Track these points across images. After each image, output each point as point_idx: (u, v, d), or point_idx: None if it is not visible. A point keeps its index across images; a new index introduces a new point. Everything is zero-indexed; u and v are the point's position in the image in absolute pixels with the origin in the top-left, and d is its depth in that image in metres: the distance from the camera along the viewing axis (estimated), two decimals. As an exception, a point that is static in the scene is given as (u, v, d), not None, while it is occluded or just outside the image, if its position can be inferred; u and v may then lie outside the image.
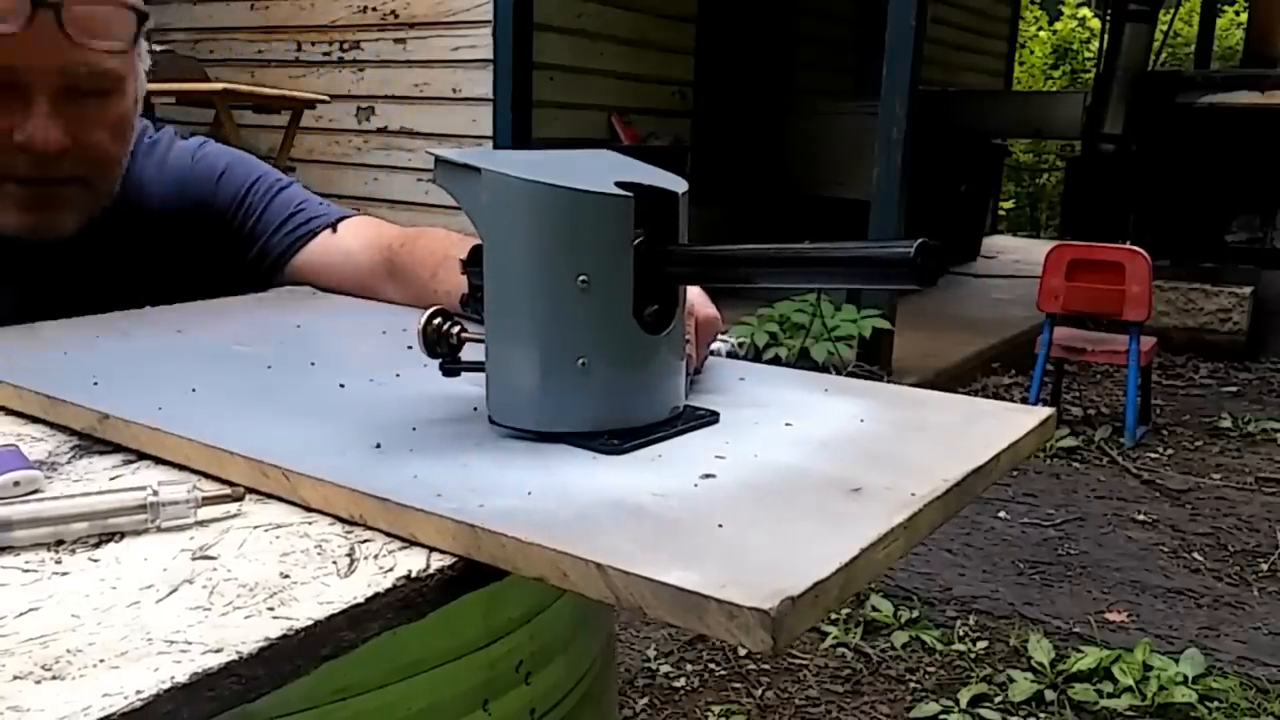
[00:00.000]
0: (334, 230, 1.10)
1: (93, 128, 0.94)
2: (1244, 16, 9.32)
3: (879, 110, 4.04)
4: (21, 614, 0.42)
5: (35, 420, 0.67)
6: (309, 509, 0.53)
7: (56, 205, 0.96)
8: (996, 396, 4.44)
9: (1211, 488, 3.54)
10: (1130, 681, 2.20)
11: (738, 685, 2.26)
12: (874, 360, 4.13)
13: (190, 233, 1.07)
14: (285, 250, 1.09)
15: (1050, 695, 2.20)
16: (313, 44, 5.54)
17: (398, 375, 0.74)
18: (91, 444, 0.62)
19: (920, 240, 0.49)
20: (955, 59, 8.83)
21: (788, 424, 0.64)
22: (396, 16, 5.23)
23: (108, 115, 0.95)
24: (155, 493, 0.51)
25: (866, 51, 6.11)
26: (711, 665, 2.33)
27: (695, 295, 0.73)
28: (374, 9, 5.29)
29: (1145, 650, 2.30)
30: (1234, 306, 5.57)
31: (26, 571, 0.46)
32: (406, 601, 0.46)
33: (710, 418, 0.64)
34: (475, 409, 0.64)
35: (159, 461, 0.60)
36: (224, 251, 1.09)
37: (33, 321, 0.88)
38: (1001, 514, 3.24)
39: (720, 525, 0.48)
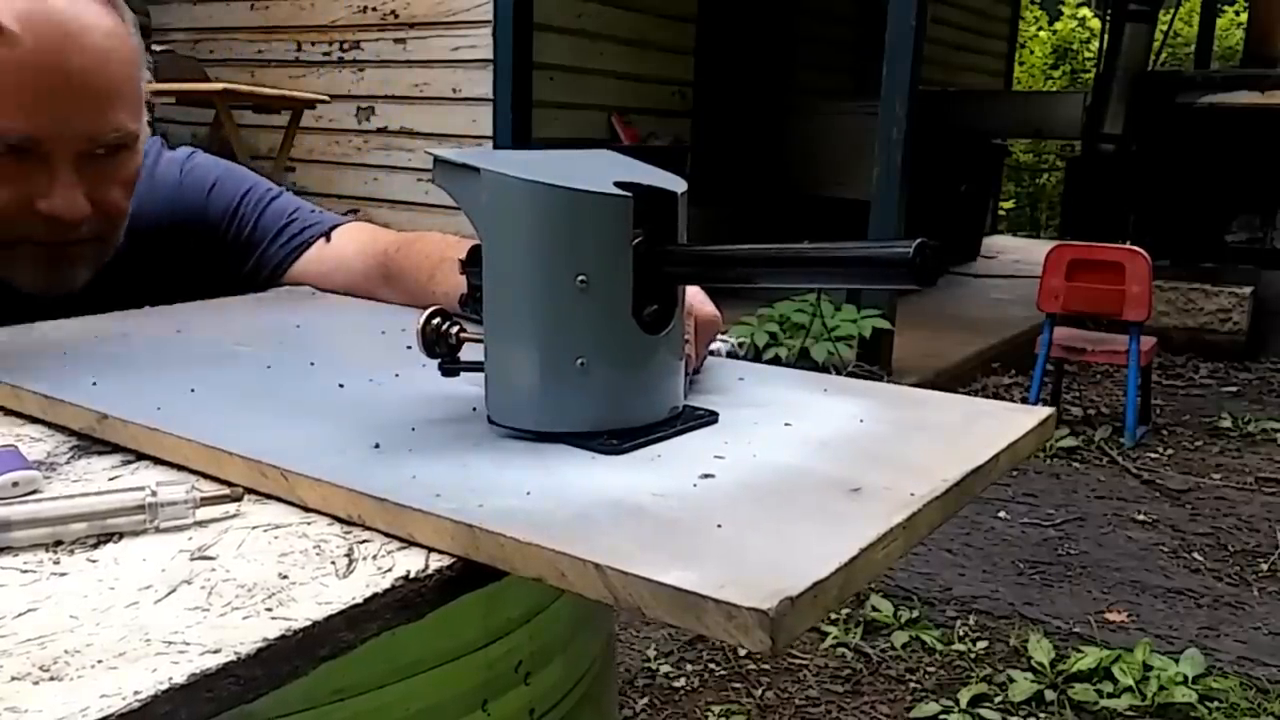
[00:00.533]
0: (327, 239, 1.10)
1: (109, 186, 0.93)
2: (1244, 16, 9.32)
3: (879, 110, 4.04)
4: (20, 615, 0.42)
5: (34, 420, 0.67)
6: (307, 509, 0.53)
7: (72, 263, 0.96)
8: (996, 396, 4.45)
9: (1211, 488, 3.54)
10: (1130, 681, 2.20)
11: (738, 685, 2.26)
12: (874, 360, 4.13)
13: (183, 248, 1.07)
14: (281, 262, 1.10)
15: (1050, 695, 2.20)
16: (313, 44, 5.54)
17: (397, 375, 0.74)
18: (90, 444, 0.62)
19: (919, 240, 0.49)
20: (955, 59, 8.83)
21: (787, 424, 0.64)
22: (396, 16, 5.23)
23: (123, 172, 0.95)
24: (154, 493, 0.51)
25: (866, 51, 6.11)
26: (711, 665, 2.33)
27: (695, 294, 0.73)
28: (374, 9, 5.29)
29: (1145, 650, 2.30)
30: (1234, 306, 5.57)
31: (25, 572, 0.46)
32: (405, 602, 0.46)
33: (709, 418, 0.64)
34: (474, 409, 0.64)
35: (158, 462, 0.60)
36: (218, 265, 1.09)
37: None
38: (1001, 514, 3.24)
39: (719, 525, 0.48)
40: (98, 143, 0.90)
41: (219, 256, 1.09)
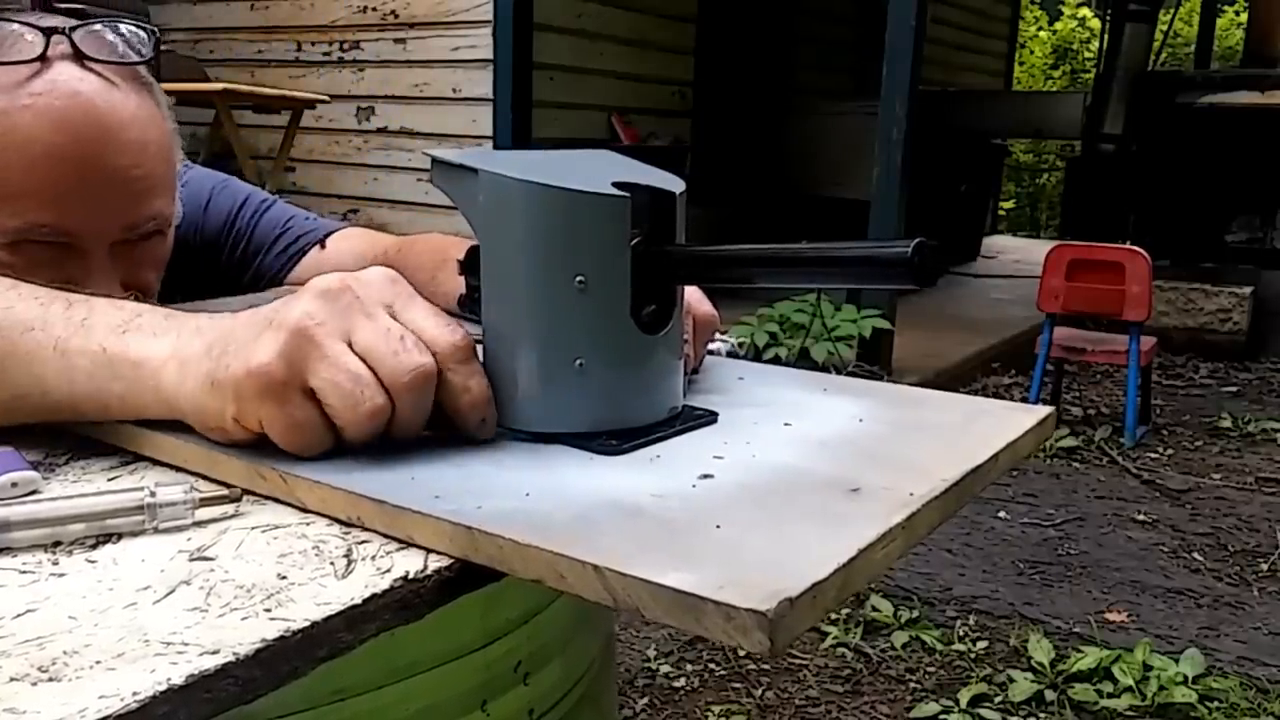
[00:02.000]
0: (322, 246, 1.11)
1: (143, 270, 0.92)
2: (1244, 16, 9.33)
3: (879, 110, 4.04)
4: (18, 615, 0.42)
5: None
6: (306, 510, 0.53)
7: None
8: (996, 396, 4.43)
9: (1211, 488, 3.54)
10: (1130, 681, 2.20)
11: (738, 685, 2.26)
12: (874, 360, 4.13)
13: (182, 262, 1.07)
14: (277, 273, 1.11)
15: (1050, 695, 2.20)
16: (313, 44, 5.54)
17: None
18: (88, 445, 0.62)
19: (918, 240, 0.49)
20: (955, 59, 8.84)
21: (786, 424, 0.64)
22: (396, 16, 5.23)
23: (157, 254, 0.94)
24: (153, 494, 0.51)
25: (866, 51, 6.11)
26: (711, 665, 2.33)
27: (692, 294, 0.73)
28: (374, 9, 5.30)
29: (1145, 650, 2.30)
30: (1234, 306, 5.57)
31: (24, 573, 0.46)
32: (404, 603, 0.46)
33: (709, 418, 0.64)
34: (473, 410, 0.64)
35: (156, 463, 0.60)
36: (218, 279, 1.10)
37: None
38: (1001, 514, 3.24)
39: (718, 526, 0.48)
40: (135, 232, 0.89)
41: (218, 270, 1.10)
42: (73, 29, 0.84)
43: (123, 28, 0.88)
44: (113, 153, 0.84)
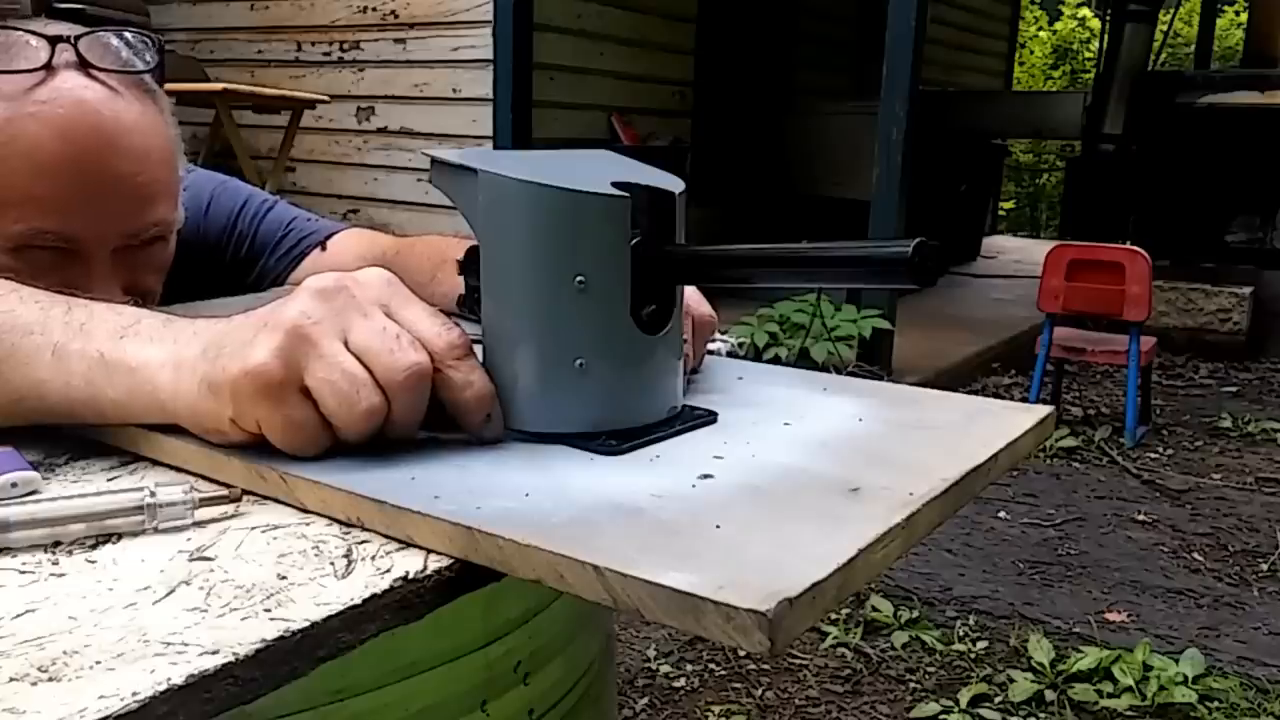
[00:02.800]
0: (323, 248, 1.11)
1: (145, 274, 0.93)
2: (1244, 16, 9.33)
3: (879, 110, 4.04)
4: (18, 615, 0.42)
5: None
6: (306, 510, 0.53)
7: None
8: (996, 396, 4.43)
9: (1211, 488, 3.54)
10: (1130, 681, 2.20)
11: (738, 685, 2.26)
12: (874, 360, 4.13)
13: (184, 265, 1.07)
14: (279, 275, 1.11)
15: (1050, 695, 2.20)
16: (313, 44, 5.54)
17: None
18: (88, 446, 0.62)
19: (918, 240, 0.49)
20: (955, 59, 8.84)
21: (786, 423, 0.64)
22: (396, 16, 5.23)
23: (159, 259, 0.94)
24: (153, 494, 0.51)
25: (866, 51, 6.11)
26: (711, 665, 2.33)
27: (691, 295, 0.73)
28: (374, 9, 5.29)
29: (1145, 650, 2.30)
30: (1234, 306, 5.57)
31: (23, 573, 0.46)
32: (404, 603, 0.46)
33: (708, 417, 0.64)
34: (473, 410, 0.64)
35: (156, 463, 0.60)
36: (221, 280, 1.10)
37: None
38: (1001, 514, 3.24)
39: (718, 526, 0.48)
40: (137, 238, 0.89)
41: (220, 271, 1.10)
42: (77, 37, 0.84)
43: (127, 35, 0.88)
44: (116, 160, 0.85)
